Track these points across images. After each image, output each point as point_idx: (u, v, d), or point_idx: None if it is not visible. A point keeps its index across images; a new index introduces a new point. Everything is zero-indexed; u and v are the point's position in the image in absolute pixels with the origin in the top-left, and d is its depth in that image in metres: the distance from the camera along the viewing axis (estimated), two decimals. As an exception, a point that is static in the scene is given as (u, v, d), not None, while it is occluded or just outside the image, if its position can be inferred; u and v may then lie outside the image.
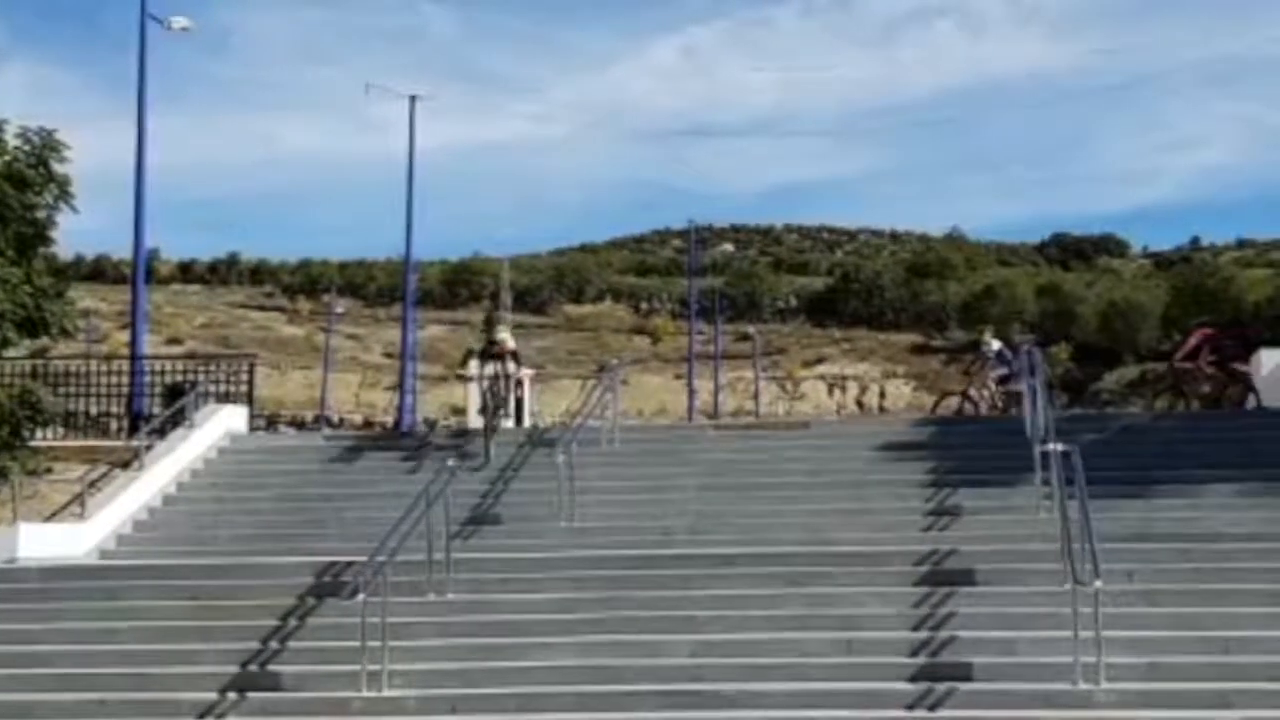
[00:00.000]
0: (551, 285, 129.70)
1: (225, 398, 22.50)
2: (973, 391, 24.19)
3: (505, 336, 21.36)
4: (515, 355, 20.93)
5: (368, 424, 74.17)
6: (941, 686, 12.51)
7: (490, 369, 20.56)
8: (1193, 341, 24.52)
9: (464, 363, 20.16)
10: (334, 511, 17.94)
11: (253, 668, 13.63)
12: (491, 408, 20.02)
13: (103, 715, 13.12)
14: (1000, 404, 23.67)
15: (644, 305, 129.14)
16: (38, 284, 22.28)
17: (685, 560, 15.20)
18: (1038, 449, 16.02)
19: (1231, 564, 14.48)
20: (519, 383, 22.50)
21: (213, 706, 13.11)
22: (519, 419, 26.32)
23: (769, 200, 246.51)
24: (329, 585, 14.82)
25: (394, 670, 13.12)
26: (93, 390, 24.76)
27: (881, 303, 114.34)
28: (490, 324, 20.74)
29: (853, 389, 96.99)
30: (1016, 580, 14.17)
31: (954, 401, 25.09)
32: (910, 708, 12.41)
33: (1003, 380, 23.77)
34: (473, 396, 23.70)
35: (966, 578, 14.26)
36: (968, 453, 18.66)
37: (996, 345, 24.87)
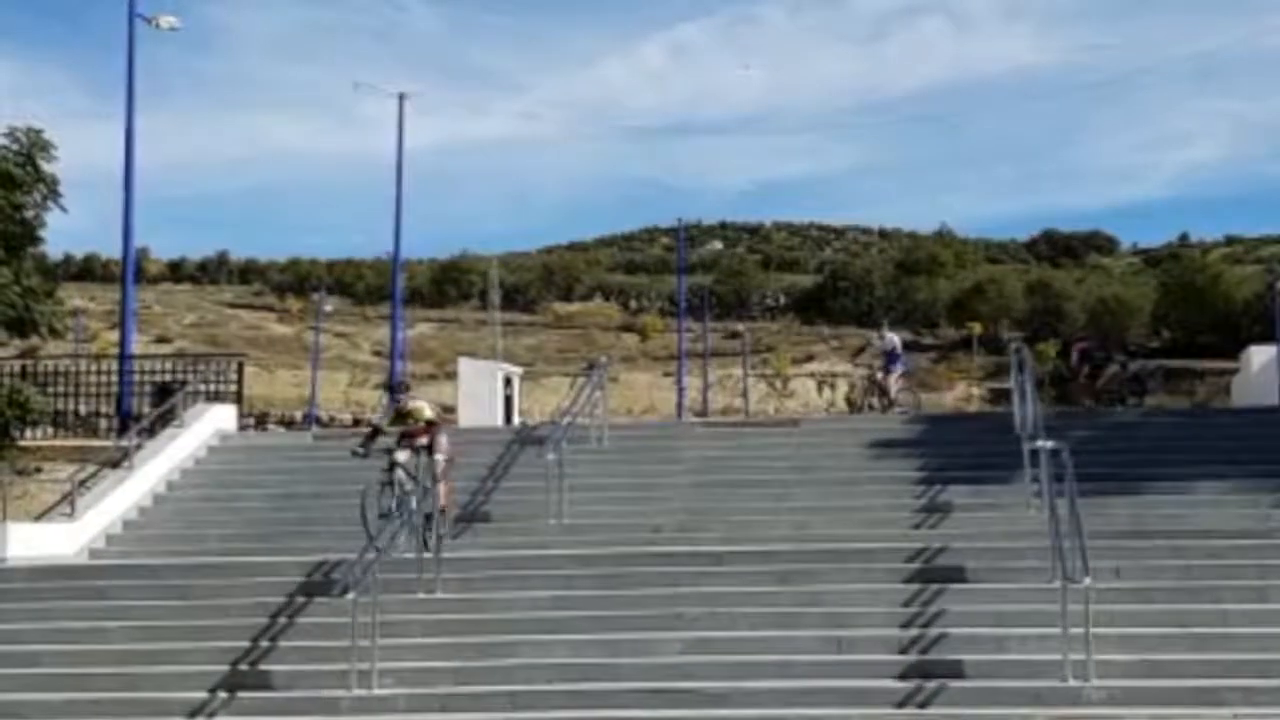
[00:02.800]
0: (540, 283, 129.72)
1: (214, 397, 22.45)
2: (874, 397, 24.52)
3: (420, 405, 16.78)
4: (431, 426, 16.51)
5: (356, 423, 74.12)
6: (931, 683, 12.52)
7: (404, 454, 16.16)
8: (1074, 356, 26.64)
9: (369, 439, 16.81)
10: (323, 510, 17.89)
11: (243, 667, 13.60)
12: (393, 501, 15.60)
13: (93, 715, 13.09)
14: (892, 399, 23.97)
15: (633, 303, 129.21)
16: (26, 284, 22.28)
17: (675, 558, 15.21)
18: (1027, 446, 16.05)
19: (1221, 560, 14.51)
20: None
21: (203, 705, 13.08)
22: (508, 417, 26.28)
23: (757, 197, 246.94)
24: (319, 584, 14.80)
25: (384, 669, 13.10)
26: (82, 390, 24.72)
27: (870, 300, 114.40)
28: (395, 389, 18.02)
29: (842, 386, 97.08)
30: (1006, 577, 14.18)
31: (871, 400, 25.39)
32: (900, 705, 12.41)
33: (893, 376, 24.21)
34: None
35: (956, 575, 14.28)
36: (957, 450, 18.68)
37: (896, 340, 25.11)
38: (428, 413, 16.59)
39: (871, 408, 24.58)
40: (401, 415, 16.56)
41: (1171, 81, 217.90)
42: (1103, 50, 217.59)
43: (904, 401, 24.26)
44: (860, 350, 26.64)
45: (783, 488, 17.80)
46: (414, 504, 15.65)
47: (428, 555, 14.99)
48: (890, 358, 24.73)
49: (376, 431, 16.60)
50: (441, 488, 16.08)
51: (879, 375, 24.79)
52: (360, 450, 16.27)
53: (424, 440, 16.31)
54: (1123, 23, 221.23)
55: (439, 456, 16.21)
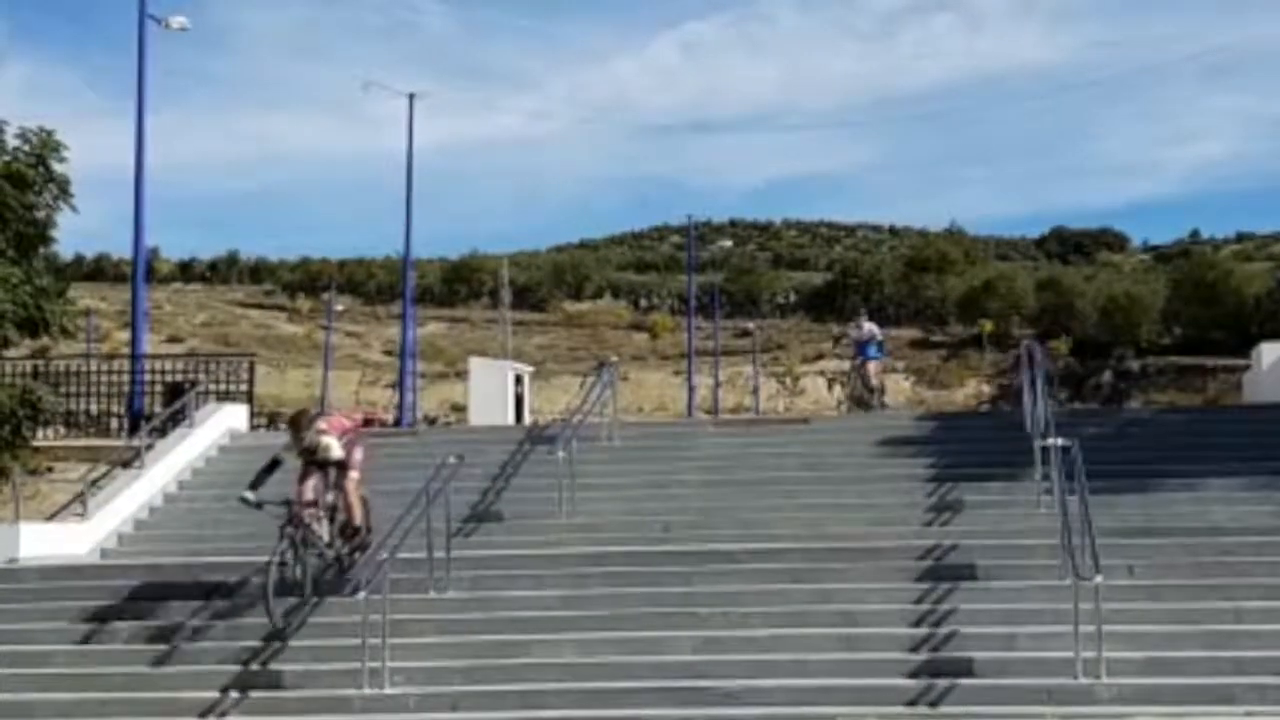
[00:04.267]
0: (550, 282, 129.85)
1: (225, 396, 22.50)
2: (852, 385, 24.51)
3: (327, 441, 14.58)
4: (343, 466, 14.69)
5: (368, 422, 74.18)
6: (942, 682, 12.50)
7: (312, 488, 14.44)
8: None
9: (263, 473, 14.86)
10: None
11: (254, 666, 13.61)
12: (297, 568, 14.12)
13: (104, 714, 13.12)
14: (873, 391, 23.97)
15: (643, 301, 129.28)
16: (38, 284, 22.33)
17: (686, 557, 15.20)
18: (1038, 443, 16.03)
19: (1233, 558, 14.48)
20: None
21: (214, 705, 13.10)
22: (518, 416, 26.27)
23: (768, 195, 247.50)
24: (329, 582, 14.80)
25: (395, 668, 13.11)
26: (93, 389, 24.78)
27: (880, 298, 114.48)
28: (299, 421, 15.00)
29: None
30: (1017, 575, 14.17)
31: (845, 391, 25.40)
32: (911, 703, 12.40)
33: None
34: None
35: (967, 572, 14.26)
36: (968, 447, 18.65)
37: (875, 328, 24.96)
38: (335, 452, 14.54)
39: (859, 401, 24.42)
40: (308, 450, 14.62)
41: (1182, 78, 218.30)
42: (1113, 47, 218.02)
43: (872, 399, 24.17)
44: (837, 340, 26.15)
45: (794, 486, 17.78)
46: (325, 535, 14.48)
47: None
48: (866, 347, 24.52)
49: (274, 465, 14.67)
50: (356, 506, 14.73)
51: (859, 364, 24.61)
52: (250, 498, 14.27)
53: (332, 471, 14.69)
54: (1133, 19, 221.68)
55: (352, 475, 14.73)
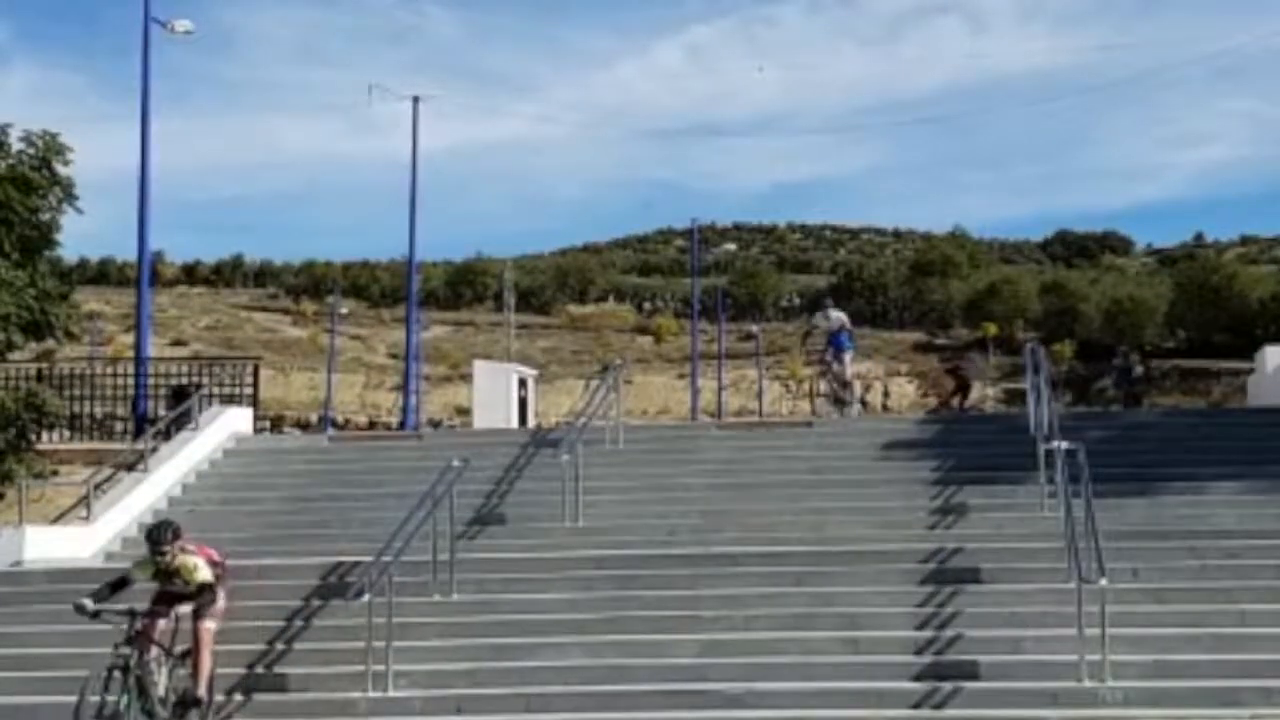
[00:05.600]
0: (554, 285, 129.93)
1: (230, 399, 22.47)
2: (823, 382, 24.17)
3: (193, 561, 12.24)
4: (205, 589, 12.17)
5: (372, 425, 74.36)
6: (947, 685, 12.49)
7: (160, 629, 12.07)
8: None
9: (108, 589, 12.23)
10: (339, 512, 17.93)
11: (258, 669, 13.61)
12: (122, 698, 11.37)
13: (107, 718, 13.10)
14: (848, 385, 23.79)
15: (647, 305, 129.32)
16: (42, 287, 22.31)
17: (690, 560, 15.19)
18: (1042, 446, 16.02)
19: (1238, 560, 14.47)
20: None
21: (218, 709, 13.07)
22: (523, 419, 26.27)
23: (772, 199, 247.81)
24: (334, 586, 14.81)
25: (399, 671, 13.12)
26: (98, 393, 24.77)
27: (885, 301, 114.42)
28: (155, 537, 12.20)
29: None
30: (1022, 578, 14.15)
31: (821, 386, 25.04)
32: (916, 706, 12.39)
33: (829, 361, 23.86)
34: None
35: (972, 576, 14.26)
36: (972, 450, 18.63)
37: (844, 317, 24.44)
38: (202, 573, 12.20)
39: (839, 401, 24.08)
40: (166, 573, 12.26)
41: (1188, 81, 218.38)
42: (1119, 50, 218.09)
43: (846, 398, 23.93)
44: (806, 336, 25.42)
45: (798, 489, 17.77)
46: (161, 689, 11.96)
47: None
48: (838, 340, 24.10)
49: (123, 584, 12.35)
50: (205, 667, 12.21)
51: (829, 360, 24.13)
52: (87, 606, 11.87)
53: (186, 606, 12.32)
54: (1139, 22, 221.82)
55: (209, 624, 12.25)
